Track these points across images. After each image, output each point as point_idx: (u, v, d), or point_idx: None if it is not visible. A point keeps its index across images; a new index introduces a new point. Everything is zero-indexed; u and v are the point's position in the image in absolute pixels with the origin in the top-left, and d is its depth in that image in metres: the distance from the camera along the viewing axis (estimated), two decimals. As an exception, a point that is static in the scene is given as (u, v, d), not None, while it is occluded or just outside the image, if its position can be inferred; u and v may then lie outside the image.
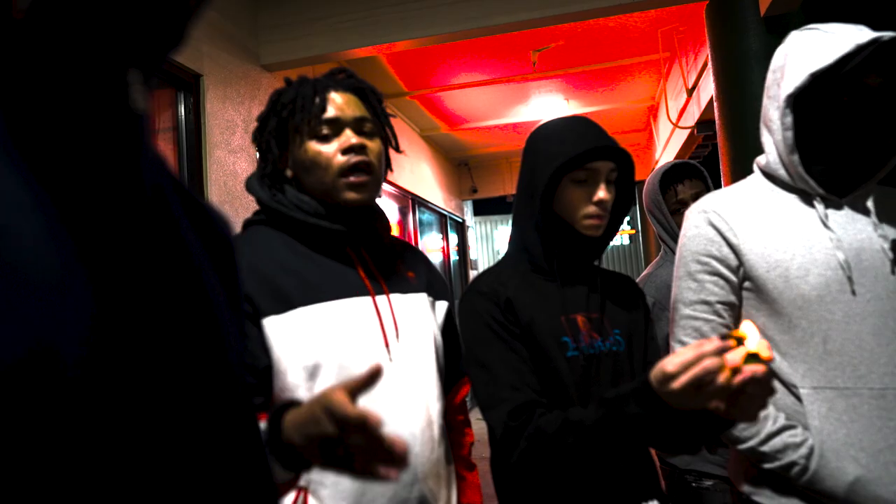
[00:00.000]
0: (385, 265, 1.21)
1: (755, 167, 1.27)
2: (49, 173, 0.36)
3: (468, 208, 8.72)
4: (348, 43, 3.47)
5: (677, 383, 0.84)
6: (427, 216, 6.96)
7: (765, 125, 1.21)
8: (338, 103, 1.15)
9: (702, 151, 5.10)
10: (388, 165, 1.27)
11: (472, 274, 8.62)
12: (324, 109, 1.13)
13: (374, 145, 1.17)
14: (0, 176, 0.34)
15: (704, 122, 4.31)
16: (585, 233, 1.18)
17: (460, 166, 8.12)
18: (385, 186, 5.44)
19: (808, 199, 1.16)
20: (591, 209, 1.17)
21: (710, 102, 3.76)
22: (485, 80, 5.10)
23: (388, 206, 5.63)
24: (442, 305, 1.32)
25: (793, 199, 1.18)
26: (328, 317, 1.08)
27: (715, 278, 1.17)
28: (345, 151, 1.13)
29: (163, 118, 2.94)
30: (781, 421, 1.10)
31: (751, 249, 1.14)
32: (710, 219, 1.19)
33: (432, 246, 7.22)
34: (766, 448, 1.09)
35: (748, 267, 1.15)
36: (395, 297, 1.18)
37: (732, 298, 1.17)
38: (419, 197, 6.28)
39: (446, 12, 3.35)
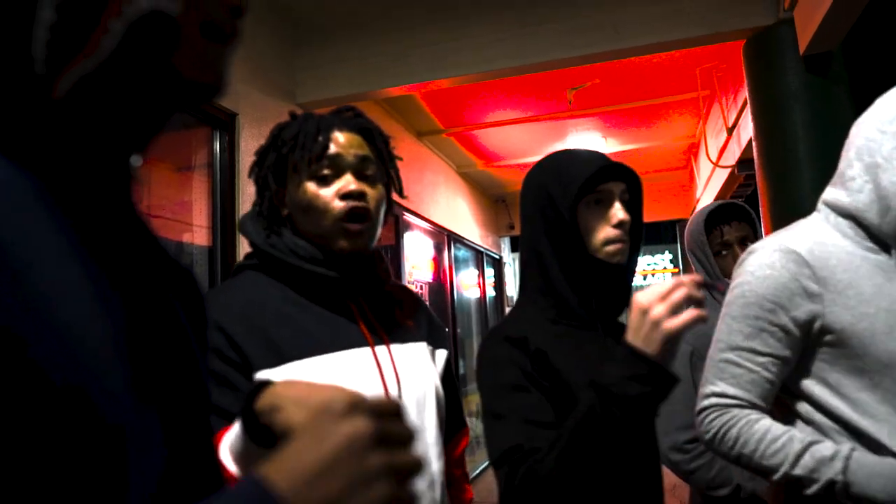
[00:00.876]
0: (384, 313, 1.16)
1: (822, 206, 1.17)
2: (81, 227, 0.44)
3: (505, 245, 8.68)
4: (384, 81, 3.51)
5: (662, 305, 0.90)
6: (463, 252, 6.94)
7: (862, 160, 1.09)
8: (341, 143, 1.11)
9: (744, 191, 4.98)
10: (391, 210, 1.22)
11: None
12: (326, 148, 1.09)
13: (374, 192, 1.12)
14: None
15: (745, 162, 4.21)
16: (609, 260, 1.10)
17: (497, 203, 8.10)
18: (420, 222, 5.50)
19: (887, 248, 1.08)
20: (612, 232, 1.10)
21: (751, 141, 3.67)
22: (521, 117, 5.10)
23: (423, 242, 5.63)
24: (441, 354, 1.27)
25: (874, 248, 1.09)
26: (325, 371, 1.02)
27: (774, 329, 1.08)
28: (343, 196, 1.08)
29: (198, 156, 3.00)
30: (807, 437, 1.04)
31: (834, 300, 1.05)
32: (789, 261, 1.08)
33: (468, 282, 7.18)
34: (798, 471, 1.02)
35: (829, 320, 1.05)
36: (396, 348, 1.12)
37: (787, 353, 1.08)
38: (455, 233, 6.27)
39: (481, 51, 3.37)
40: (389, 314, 1.17)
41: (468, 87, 4.37)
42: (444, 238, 6.11)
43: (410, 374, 1.11)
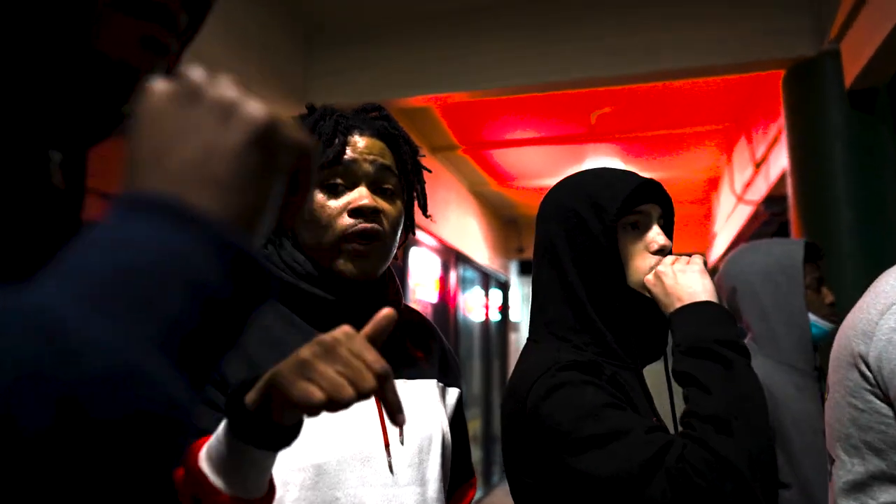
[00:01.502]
0: (391, 343, 0.99)
1: None
2: None
3: (513, 268, 8.50)
4: (400, 91, 3.37)
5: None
6: (470, 273, 6.76)
7: None
8: (359, 148, 0.95)
9: (766, 229, 4.79)
10: (412, 229, 1.07)
11: (513, 337, 8.32)
12: (341, 153, 0.93)
13: (391, 208, 0.96)
14: None
15: (773, 198, 4.03)
16: (648, 293, 0.98)
17: (508, 224, 7.94)
18: (427, 239, 5.33)
19: None
20: (654, 260, 0.98)
21: (782, 177, 3.50)
22: (539, 137, 4.95)
23: (430, 260, 5.46)
24: (453, 393, 1.10)
25: None
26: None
27: None
28: (353, 212, 0.92)
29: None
30: None
31: None
32: None
33: (473, 304, 7.00)
34: None
35: None
36: (400, 385, 0.95)
37: None
38: (463, 253, 6.10)
39: (503, 66, 3.23)
40: (398, 344, 1.02)
41: (487, 104, 4.22)
42: (452, 257, 5.94)
43: (414, 416, 0.95)
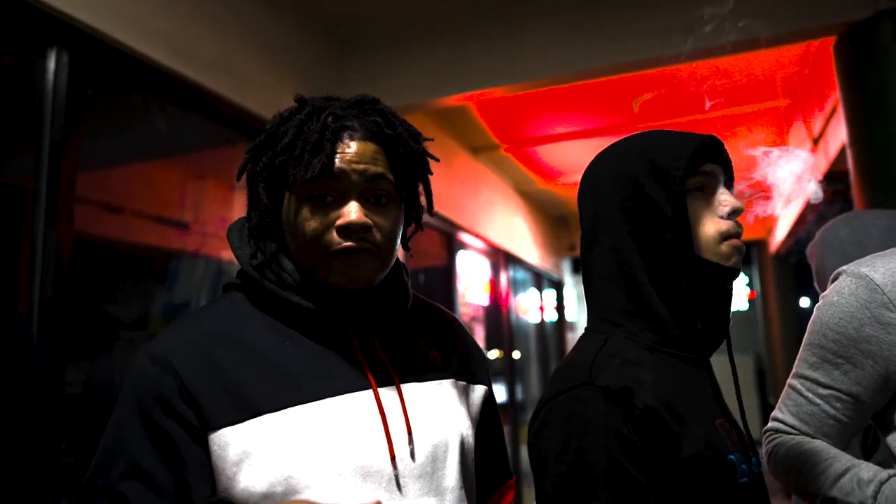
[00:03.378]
0: (399, 343, 0.94)
1: None
2: None
3: (566, 266, 8.35)
4: (436, 91, 3.33)
5: None
6: (521, 274, 6.67)
7: None
8: (349, 155, 0.84)
9: (829, 208, 4.54)
10: (419, 222, 0.97)
11: (570, 337, 8.17)
12: (329, 164, 0.83)
13: (384, 220, 0.87)
14: None
15: (833, 175, 3.81)
16: (725, 262, 0.86)
17: (557, 222, 7.81)
18: (474, 242, 5.28)
19: None
20: (727, 225, 0.86)
21: (841, 152, 3.30)
22: (581, 131, 4.83)
23: (478, 262, 5.40)
24: (478, 391, 1.01)
25: None
26: (308, 423, 0.79)
27: (839, 360, 1.00)
28: (341, 230, 0.83)
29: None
30: (856, 460, 0.98)
31: None
32: (859, 287, 0.99)
33: (527, 306, 6.89)
34: (834, 492, 0.96)
35: None
36: (409, 389, 0.89)
37: (857, 390, 1.00)
38: (512, 253, 6.02)
39: (539, 57, 3.15)
40: (408, 344, 0.95)
41: (526, 99, 4.15)
42: (501, 258, 5.86)
43: (426, 421, 0.88)
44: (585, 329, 0.93)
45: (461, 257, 4.90)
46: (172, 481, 0.77)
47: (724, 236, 0.87)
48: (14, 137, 1.96)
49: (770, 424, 1.12)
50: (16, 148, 1.98)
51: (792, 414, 1.07)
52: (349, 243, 0.83)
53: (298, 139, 0.85)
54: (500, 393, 5.68)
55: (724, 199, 0.88)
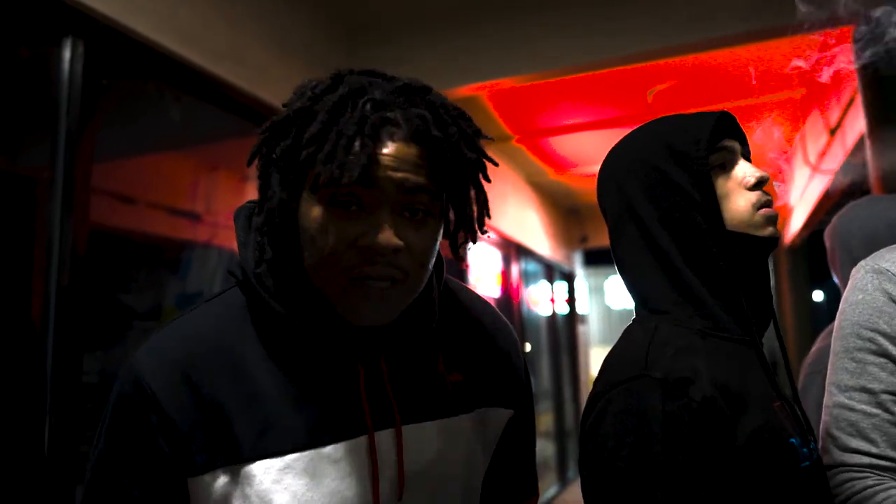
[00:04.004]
0: (413, 367, 0.82)
1: None
2: None
3: (578, 258, 8.32)
4: (446, 82, 3.31)
5: None
6: (532, 266, 6.65)
7: None
8: (386, 159, 0.69)
9: (847, 200, 4.49)
10: (471, 234, 0.79)
11: (581, 329, 8.14)
12: (364, 171, 0.68)
13: (419, 240, 0.72)
14: None
15: (851, 166, 3.76)
16: (762, 232, 0.85)
17: (569, 214, 7.77)
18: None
19: None
20: (756, 195, 0.86)
21: (859, 142, 3.26)
22: (595, 121, 4.80)
23: (490, 254, 5.38)
24: (500, 415, 0.90)
25: None
26: (292, 478, 0.71)
27: (882, 360, 0.92)
28: (365, 251, 0.70)
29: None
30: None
31: None
32: (883, 281, 0.94)
33: (538, 298, 6.88)
34: None
35: None
36: (412, 432, 0.78)
37: None
38: (524, 245, 6.00)
39: (551, 47, 3.12)
40: (424, 368, 0.82)
41: (538, 90, 4.12)
42: (513, 250, 5.84)
43: (424, 477, 0.78)
44: (633, 321, 0.90)
45: (473, 249, 4.88)
46: None
47: (757, 206, 0.86)
48: (30, 128, 1.97)
49: (825, 460, 0.96)
50: (31, 138, 1.98)
51: (851, 435, 0.92)
52: (372, 270, 0.70)
53: (331, 130, 0.70)
54: (512, 385, 5.67)
55: (749, 171, 0.87)
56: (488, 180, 0.79)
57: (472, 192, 0.77)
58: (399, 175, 0.70)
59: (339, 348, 0.76)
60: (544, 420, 6.52)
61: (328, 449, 0.73)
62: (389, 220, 0.70)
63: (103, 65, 1.99)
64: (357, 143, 0.68)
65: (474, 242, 0.81)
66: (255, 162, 0.77)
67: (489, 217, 0.81)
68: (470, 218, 0.78)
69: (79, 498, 1.82)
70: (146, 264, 2.51)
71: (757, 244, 0.85)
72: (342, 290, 0.71)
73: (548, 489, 6.14)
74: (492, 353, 0.91)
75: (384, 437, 0.76)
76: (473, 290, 0.98)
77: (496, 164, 0.82)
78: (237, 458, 0.71)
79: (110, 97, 2.06)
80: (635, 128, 0.96)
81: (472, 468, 0.85)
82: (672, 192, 0.85)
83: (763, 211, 0.86)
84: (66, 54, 1.88)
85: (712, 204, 0.84)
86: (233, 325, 0.77)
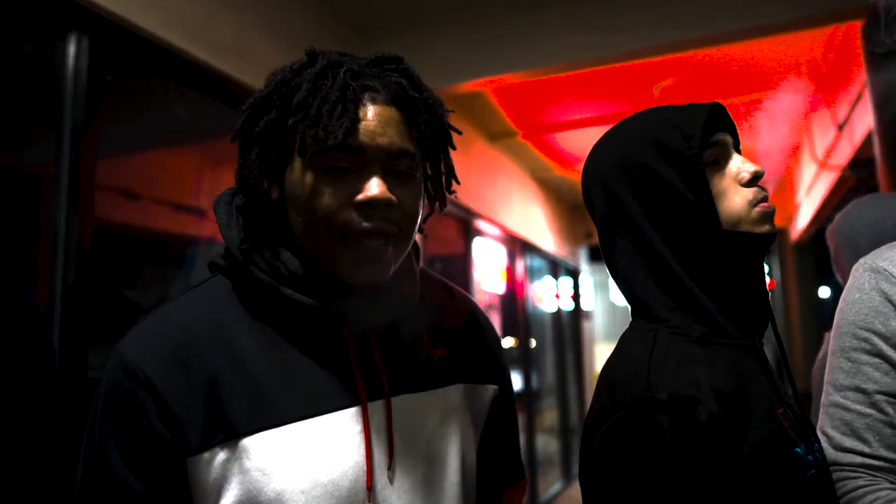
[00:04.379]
0: (399, 345, 0.84)
1: None
2: None
3: (583, 254, 8.30)
4: (451, 78, 3.30)
5: None
6: (537, 262, 6.64)
7: None
8: (370, 123, 0.74)
9: (854, 196, 4.46)
10: (441, 199, 0.87)
11: (586, 326, 8.13)
12: (349, 132, 0.72)
13: (407, 196, 0.77)
14: None
15: (859, 162, 3.74)
16: (759, 229, 0.82)
17: (574, 209, 7.75)
18: (491, 229, 5.25)
19: None
20: (751, 190, 0.82)
21: (867, 138, 3.23)
22: (600, 117, 4.78)
23: (495, 250, 5.38)
24: (486, 391, 0.93)
25: None
26: (286, 448, 0.72)
27: (876, 360, 0.92)
28: (360, 207, 0.73)
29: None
30: None
31: None
32: (880, 281, 0.94)
33: (543, 294, 6.87)
34: None
35: None
36: (401, 403, 0.80)
37: None
38: (529, 241, 5.99)
39: (556, 41, 3.11)
40: (411, 344, 0.85)
41: (543, 86, 4.10)
42: (518, 246, 5.83)
43: (416, 443, 0.80)
44: (629, 328, 0.87)
45: (477, 245, 4.88)
46: (156, 498, 0.73)
47: (753, 203, 0.82)
48: (34, 123, 1.97)
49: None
50: (36, 134, 1.98)
51: (845, 434, 0.92)
52: (369, 224, 0.73)
53: (314, 97, 0.74)
54: (516, 382, 5.68)
55: (743, 166, 0.83)
56: (454, 147, 0.86)
57: (442, 156, 0.84)
58: (385, 140, 0.75)
59: (327, 318, 0.77)
60: (549, 416, 6.51)
61: (321, 419, 0.74)
62: (381, 177, 0.74)
63: (108, 60, 1.99)
64: (340, 108, 0.73)
65: (443, 205, 0.88)
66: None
67: (457, 182, 0.88)
68: (444, 177, 0.85)
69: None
70: (151, 260, 2.51)
71: (754, 242, 0.82)
72: (337, 250, 0.74)
73: (552, 485, 6.14)
74: (472, 332, 0.94)
75: (375, 408, 0.78)
76: (449, 282, 1.02)
77: (460, 133, 0.88)
78: (233, 433, 0.72)
79: (115, 93, 2.06)
80: (620, 122, 0.91)
81: (464, 441, 0.85)
82: (663, 192, 0.81)
83: (760, 207, 0.82)
84: (71, 50, 1.88)
85: (707, 204, 0.80)
86: (219, 306, 0.78)
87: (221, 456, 0.71)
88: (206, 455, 0.71)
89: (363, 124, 0.74)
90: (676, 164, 0.80)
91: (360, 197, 0.73)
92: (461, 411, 0.86)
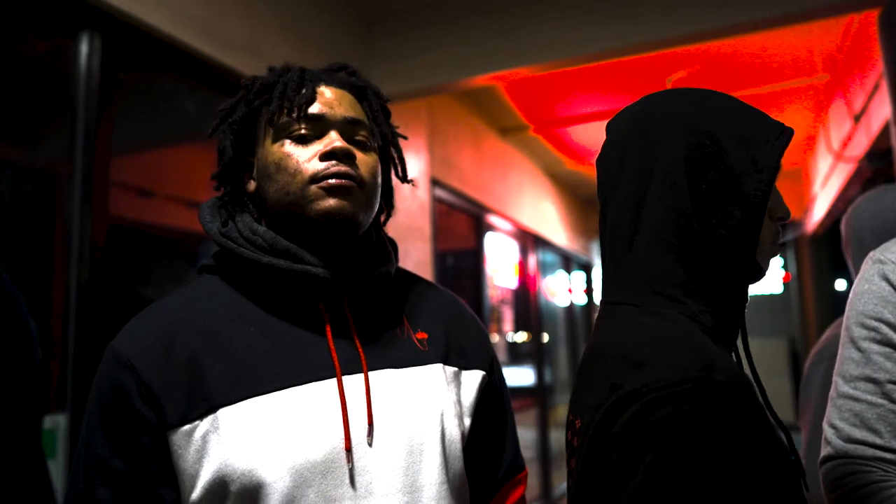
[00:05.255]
0: (378, 324, 0.87)
1: None
2: None
3: (595, 249, 8.26)
4: (463, 72, 3.28)
5: None
6: (550, 256, 6.62)
7: None
8: (327, 99, 0.86)
9: (870, 188, 4.41)
10: (389, 202, 0.97)
11: (599, 319, 8.09)
12: (310, 102, 0.85)
13: (366, 157, 0.86)
14: None
15: (876, 154, 3.69)
16: (766, 268, 0.78)
17: (586, 203, 7.72)
18: (504, 224, 5.24)
19: None
20: (779, 230, 0.80)
21: (884, 129, 3.19)
22: (613, 110, 4.74)
23: (507, 244, 5.37)
24: (473, 377, 0.92)
25: None
26: (265, 415, 0.75)
27: (887, 350, 0.91)
28: (324, 157, 0.82)
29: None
30: None
31: None
32: (888, 272, 0.94)
33: (556, 288, 6.85)
34: None
35: None
36: (380, 376, 0.82)
37: None
38: (541, 236, 5.97)
39: (568, 34, 3.08)
40: (389, 324, 0.88)
41: (555, 80, 4.08)
42: (530, 241, 5.81)
43: (395, 414, 0.81)
44: (619, 303, 0.76)
45: (489, 239, 4.87)
46: (143, 485, 0.76)
47: (776, 242, 0.79)
48: (48, 122, 1.98)
49: (827, 451, 0.93)
50: (50, 132, 2.00)
51: (855, 426, 0.90)
52: (336, 167, 0.81)
53: (276, 82, 0.87)
54: (529, 376, 5.67)
55: (781, 203, 0.79)
56: (404, 137, 0.99)
57: (391, 136, 0.94)
58: (341, 110, 0.86)
59: (304, 290, 0.83)
60: (562, 411, 6.50)
61: (298, 388, 0.78)
62: (340, 137, 0.85)
63: (120, 58, 2.00)
64: (299, 86, 0.86)
65: (403, 180, 0.96)
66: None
67: (405, 176, 0.97)
68: (397, 156, 0.96)
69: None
70: (165, 256, 2.53)
71: (757, 275, 0.78)
72: (307, 190, 0.82)
73: (563, 482, 6.13)
74: (456, 321, 0.96)
75: (353, 381, 0.81)
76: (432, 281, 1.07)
77: (405, 138, 1.00)
78: (213, 405, 0.75)
79: (127, 90, 2.07)
80: (686, 88, 0.83)
81: (446, 425, 0.84)
82: (720, 174, 0.73)
83: (778, 248, 0.80)
84: (84, 49, 1.89)
85: (761, 213, 0.74)
86: (202, 299, 0.84)
87: (202, 428, 0.75)
88: (187, 427, 0.75)
89: (320, 99, 0.86)
90: (753, 161, 0.74)
91: (323, 149, 0.83)
92: (444, 389, 0.87)
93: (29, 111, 1.98)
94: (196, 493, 0.74)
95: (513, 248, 5.51)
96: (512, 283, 5.42)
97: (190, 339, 0.79)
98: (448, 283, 4.26)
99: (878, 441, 0.88)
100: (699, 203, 0.73)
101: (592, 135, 5.35)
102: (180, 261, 2.59)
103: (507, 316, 5.24)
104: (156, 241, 2.49)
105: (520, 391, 5.43)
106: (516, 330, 5.49)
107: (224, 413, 0.75)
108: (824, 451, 0.93)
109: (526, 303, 5.67)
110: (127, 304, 2.20)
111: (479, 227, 4.68)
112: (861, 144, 3.87)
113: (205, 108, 2.52)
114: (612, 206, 0.80)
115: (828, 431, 0.93)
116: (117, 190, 2.10)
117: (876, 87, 3.35)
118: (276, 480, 0.73)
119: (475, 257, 4.66)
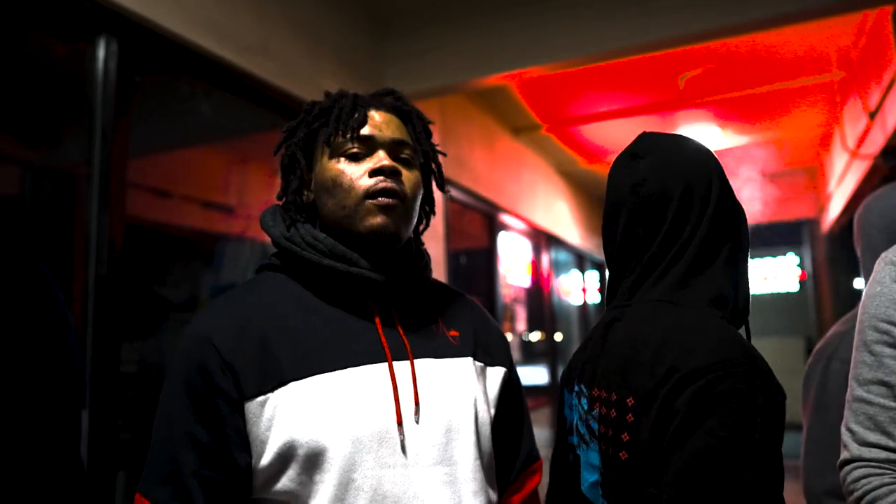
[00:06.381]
0: (418, 322, 1.00)
1: None
2: None
3: (609, 248, 8.23)
4: (476, 71, 3.29)
5: None
6: (563, 255, 6.61)
7: None
8: (376, 121, 0.99)
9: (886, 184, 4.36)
10: (431, 209, 1.10)
11: (613, 318, 8.07)
12: (362, 124, 0.97)
13: (410, 174, 0.99)
14: None
15: (891, 151, 3.65)
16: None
17: (600, 202, 7.68)
18: (517, 223, 5.24)
19: None
20: None
21: (900, 125, 3.16)
22: (625, 109, 4.74)
23: (520, 243, 5.37)
24: (496, 373, 1.05)
25: None
26: (328, 390, 0.87)
27: None
28: (373, 173, 0.95)
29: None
30: None
31: None
32: None
33: (569, 287, 6.84)
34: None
35: None
36: (423, 364, 0.95)
37: None
38: (554, 235, 5.97)
39: (580, 33, 3.08)
40: (427, 322, 1.01)
41: (567, 78, 4.08)
42: (543, 240, 5.81)
43: (438, 394, 0.93)
44: (684, 303, 0.89)
45: (503, 239, 4.88)
46: (222, 450, 0.85)
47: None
48: (66, 124, 2.02)
49: (844, 454, 0.94)
50: (68, 135, 2.04)
51: (869, 429, 0.91)
52: (383, 183, 0.93)
53: (334, 108, 0.99)
54: (542, 375, 5.67)
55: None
56: (444, 154, 1.11)
57: (432, 154, 1.06)
58: (388, 132, 0.98)
59: (357, 289, 0.96)
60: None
61: (357, 369, 0.89)
62: (387, 156, 0.97)
63: (136, 62, 2.03)
64: (353, 110, 0.98)
65: (442, 190, 1.09)
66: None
67: (442, 186, 1.10)
68: (438, 172, 1.08)
69: (120, 484, 1.87)
70: (181, 257, 2.57)
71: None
72: (360, 207, 0.94)
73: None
74: (481, 325, 1.09)
75: (402, 366, 0.93)
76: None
77: (444, 155, 1.11)
78: (284, 379, 0.86)
79: (144, 93, 2.11)
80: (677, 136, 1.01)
81: (479, 409, 0.97)
82: (737, 210, 0.98)
83: None
84: (101, 52, 1.92)
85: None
86: (271, 291, 0.97)
87: (273, 400, 0.86)
88: (261, 399, 0.86)
89: (371, 122, 0.98)
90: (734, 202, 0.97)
91: (373, 167, 0.95)
92: (475, 379, 0.99)
93: (48, 114, 2.02)
94: (266, 458, 0.84)
95: (526, 247, 5.52)
96: (525, 281, 5.43)
97: (260, 322, 0.90)
98: (461, 283, 4.28)
99: (891, 444, 0.88)
100: (737, 234, 0.96)
101: (605, 133, 5.34)
102: (196, 260, 2.63)
103: (521, 315, 5.25)
104: (172, 240, 2.52)
105: (533, 390, 5.44)
106: (530, 329, 5.50)
107: (293, 387, 0.86)
108: (843, 454, 0.94)
109: (539, 302, 5.67)
110: (144, 303, 2.24)
111: (492, 227, 4.69)
112: (877, 141, 3.83)
113: (219, 111, 2.56)
114: (674, 218, 0.96)
115: (845, 435, 0.93)
116: (134, 191, 2.14)
117: (891, 84, 3.33)
118: (339, 447, 0.84)
119: (488, 256, 4.67)
